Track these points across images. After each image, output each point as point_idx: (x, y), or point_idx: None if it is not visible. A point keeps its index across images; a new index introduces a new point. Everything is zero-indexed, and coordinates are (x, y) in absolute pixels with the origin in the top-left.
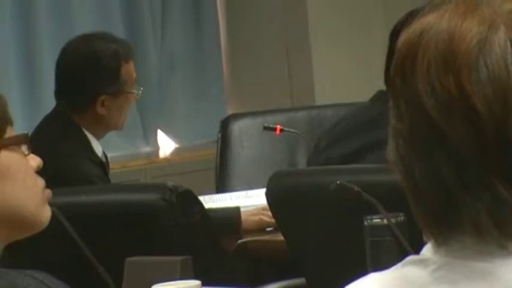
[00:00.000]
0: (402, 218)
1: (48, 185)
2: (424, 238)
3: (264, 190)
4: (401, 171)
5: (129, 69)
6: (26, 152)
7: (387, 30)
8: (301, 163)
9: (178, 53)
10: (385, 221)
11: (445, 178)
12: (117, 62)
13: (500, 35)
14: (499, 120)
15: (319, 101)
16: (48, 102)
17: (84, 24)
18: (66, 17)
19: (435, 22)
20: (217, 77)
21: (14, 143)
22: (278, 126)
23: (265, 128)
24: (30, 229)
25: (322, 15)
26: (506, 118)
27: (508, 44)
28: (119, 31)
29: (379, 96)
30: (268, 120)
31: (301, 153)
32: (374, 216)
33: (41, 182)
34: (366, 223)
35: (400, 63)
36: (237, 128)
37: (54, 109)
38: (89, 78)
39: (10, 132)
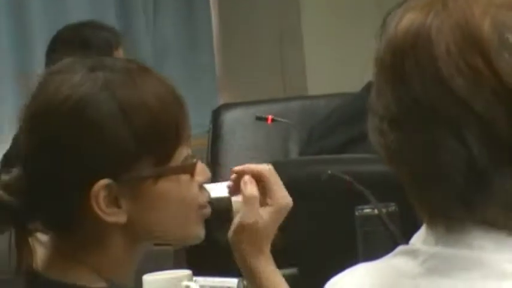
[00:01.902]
0: (393, 208)
1: None
2: (424, 225)
3: None
4: (413, 158)
5: (118, 56)
6: (191, 178)
7: (379, 19)
8: (294, 153)
9: (170, 42)
10: (376, 211)
11: (475, 157)
12: (108, 48)
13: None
14: None
15: (311, 91)
16: None
17: (77, 12)
18: (58, 4)
19: (437, 11)
20: (209, 66)
21: (175, 173)
22: (270, 116)
23: (258, 118)
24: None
25: (315, 5)
26: None
27: None
28: (110, 20)
29: (371, 86)
30: (261, 110)
31: (293, 143)
32: (365, 206)
33: (200, 200)
34: (357, 213)
35: (409, 50)
36: (229, 118)
37: None
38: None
39: (180, 153)
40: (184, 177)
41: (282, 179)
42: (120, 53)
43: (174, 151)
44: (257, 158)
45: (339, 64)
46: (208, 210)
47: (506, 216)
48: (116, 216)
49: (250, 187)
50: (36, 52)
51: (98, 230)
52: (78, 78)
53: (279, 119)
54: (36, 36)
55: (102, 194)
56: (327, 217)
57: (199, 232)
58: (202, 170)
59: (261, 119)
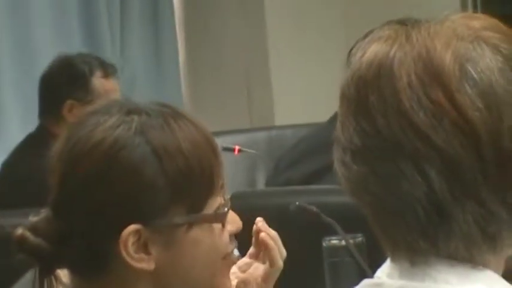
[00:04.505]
0: (360, 238)
1: (28, 202)
2: (389, 258)
3: None
4: (376, 191)
5: (106, 85)
6: (223, 227)
7: (347, 50)
8: (261, 183)
9: (137, 73)
10: (343, 242)
11: (436, 191)
12: (88, 68)
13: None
14: (492, 129)
15: (278, 122)
16: (8, 116)
17: (43, 45)
18: (24, 37)
19: (401, 42)
20: (176, 97)
21: (208, 221)
22: (237, 147)
23: (224, 149)
24: None
25: (282, 35)
26: (499, 128)
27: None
28: (76, 50)
29: (338, 117)
30: (227, 141)
31: (260, 173)
32: (332, 237)
33: (229, 250)
34: (324, 244)
35: (372, 81)
36: None
37: (37, 126)
38: (58, 81)
39: (214, 201)
40: (217, 226)
41: (248, 209)
42: (110, 84)
43: (208, 199)
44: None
45: (306, 94)
46: (233, 264)
47: (468, 249)
48: (144, 263)
49: None
50: (2, 97)
51: (125, 277)
52: (113, 121)
53: (246, 149)
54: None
55: (131, 239)
56: (294, 248)
57: (226, 283)
58: (233, 219)
59: (228, 149)
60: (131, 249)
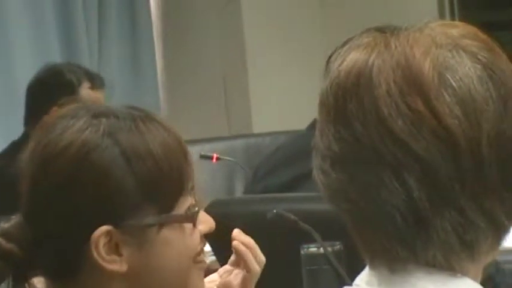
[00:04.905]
0: (339, 246)
1: (13, 207)
2: (367, 266)
3: None
4: (354, 198)
5: (93, 96)
6: (194, 227)
7: (325, 58)
8: (239, 191)
9: (115, 82)
10: (321, 250)
11: (415, 199)
12: (76, 78)
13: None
14: (470, 137)
15: (256, 129)
16: None
17: (21, 55)
18: (1, 49)
19: (379, 50)
20: (154, 105)
21: (178, 221)
22: (215, 155)
23: (202, 157)
24: None
25: (260, 43)
26: (478, 135)
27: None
28: (55, 60)
29: (316, 124)
30: (206, 149)
31: (238, 181)
32: (310, 245)
33: (199, 250)
34: (302, 252)
35: (351, 89)
36: None
37: (22, 133)
38: (45, 88)
39: (184, 202)
40: (188, 226)
41: (226, 217)
42: (97, 95)
43: (178, 199)
44: (202, 196)
45: (284, 102)
46: (204, 264)
47: (446, 257)
48: (116, 265)
49: None
50: None
51: (98, 280)
52: (81, 124)
53: (224, 157)
54: None
55: (102, 241)
56: (272, 256)
57: (199, 284)
58: (205, 219)
59: (206, 157)
60: (102, 250)
